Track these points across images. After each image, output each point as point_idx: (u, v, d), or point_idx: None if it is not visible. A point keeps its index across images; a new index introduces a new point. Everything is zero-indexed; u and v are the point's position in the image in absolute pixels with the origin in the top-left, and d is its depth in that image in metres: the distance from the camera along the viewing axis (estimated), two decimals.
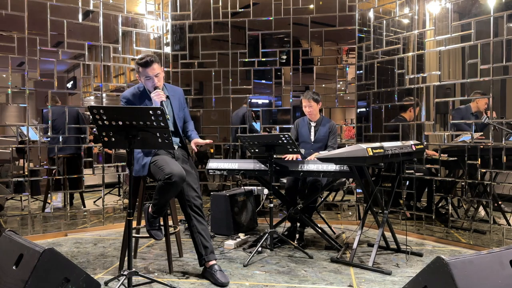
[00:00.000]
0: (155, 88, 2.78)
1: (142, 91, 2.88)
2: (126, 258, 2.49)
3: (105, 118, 2.23)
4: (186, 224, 2.98)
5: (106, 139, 2.32)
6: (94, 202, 5.49)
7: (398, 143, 3.15)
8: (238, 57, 4.70)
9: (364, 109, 4.60)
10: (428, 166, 4.05)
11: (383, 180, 4.09)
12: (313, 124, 3.91)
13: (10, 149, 3.99)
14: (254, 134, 4.79)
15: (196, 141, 3.02)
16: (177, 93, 3.03)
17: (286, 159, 3.53)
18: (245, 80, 4.85)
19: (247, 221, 4.15)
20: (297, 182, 3.72)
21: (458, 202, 4.65)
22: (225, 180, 5.30)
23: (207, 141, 3.02)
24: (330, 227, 4.03)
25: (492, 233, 3.67)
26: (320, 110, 3.99)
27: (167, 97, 2.94)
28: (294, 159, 3.49)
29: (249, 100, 5.22)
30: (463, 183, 4.19)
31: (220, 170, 3.57)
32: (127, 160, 2.35)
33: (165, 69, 4.69)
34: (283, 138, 3.16)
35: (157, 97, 2.75)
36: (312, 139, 3.89)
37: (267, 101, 6.77)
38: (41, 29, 3.96)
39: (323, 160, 3.11)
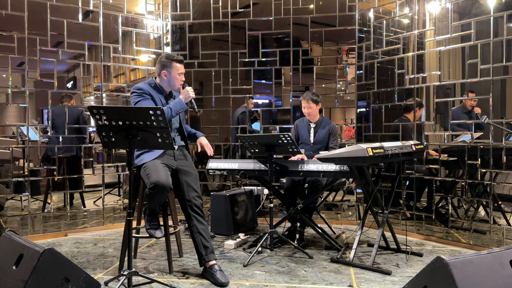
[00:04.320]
0: (184, 86, 2.84)
1: (153, 87, 2.90)
2: (126, 258, 2.49)
3: (105, 118, 2.23)
4: (186, 224, 2.98)
5: (106, 139, 2.32)
6: (94, 202, 5.49)
7: (398, 143, 3.15)
8: (238, 57, 4.69)
9: (364, 109, 4.60)
10: (428, 166, 4.05)
11: (383, 180, 4.09)
12: (312, 125, 3.89)
13: (10, 149, 3.98)
14: (254, 134, 4.79)
15: (203, 142, 3.06)
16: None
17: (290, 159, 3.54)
18: (245, 80, 4.85)
19: (247, 221, 4.15)
20: (297, 182, 3.72)
21: (458, 202, 4.65)
22: (225, 180, 5.30)
23: (211, 150, 3.06)
24: (330, 227, 4.03)
25: (492, 233, 3.67)
26: (320, 111, 3.98)
27: (171, 94, 3.01)
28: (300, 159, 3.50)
29: (253, 100, 5.22)
30: (463, 183, 4.19)
31: (220, 170, 3.57)
32: (127, 160, 2.36)
33: None
34: (283, 138, 3.15)
35: (191, 94, 2.79)
36: (312, 141, 3.87)
37: (267, 101, 6.78)
38: (41, 29, 3.96)
39: (323, 160, 3.11)
